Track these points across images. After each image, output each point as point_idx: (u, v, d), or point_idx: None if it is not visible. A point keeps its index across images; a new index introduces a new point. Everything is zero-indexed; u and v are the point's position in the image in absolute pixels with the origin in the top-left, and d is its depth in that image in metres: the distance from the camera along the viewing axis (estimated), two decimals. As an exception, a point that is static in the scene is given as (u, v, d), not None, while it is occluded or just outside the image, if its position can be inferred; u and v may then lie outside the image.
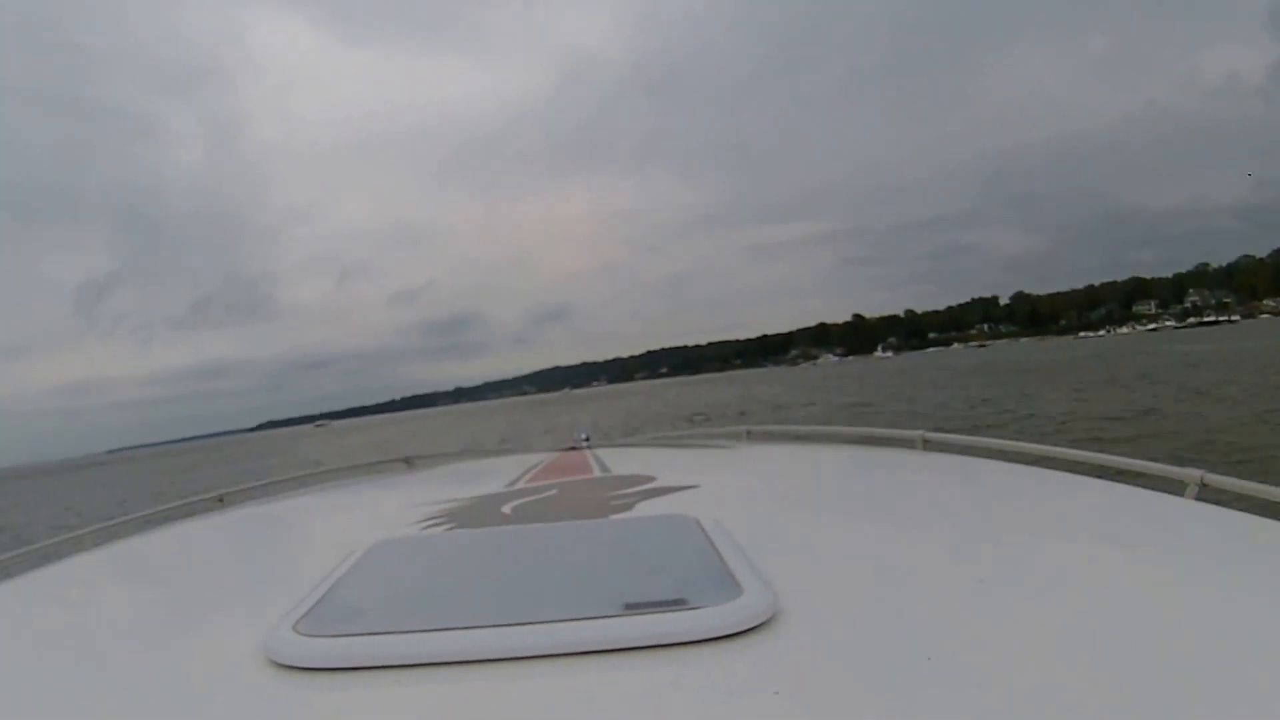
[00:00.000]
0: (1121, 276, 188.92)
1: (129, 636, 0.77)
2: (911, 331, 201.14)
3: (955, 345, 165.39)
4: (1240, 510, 0.91)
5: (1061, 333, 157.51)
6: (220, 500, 1.80)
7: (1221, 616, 0.61)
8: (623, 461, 1.81)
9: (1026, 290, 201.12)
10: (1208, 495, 1.05)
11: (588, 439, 2.43)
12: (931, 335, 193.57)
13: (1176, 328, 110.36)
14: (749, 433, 2.18)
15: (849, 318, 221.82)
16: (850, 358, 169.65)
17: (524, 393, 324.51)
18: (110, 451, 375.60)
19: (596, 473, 1.66)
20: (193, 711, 0.57)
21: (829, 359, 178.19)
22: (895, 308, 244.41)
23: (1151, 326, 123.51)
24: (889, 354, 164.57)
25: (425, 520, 1.15)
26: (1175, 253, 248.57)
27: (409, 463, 2.41)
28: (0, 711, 0.61)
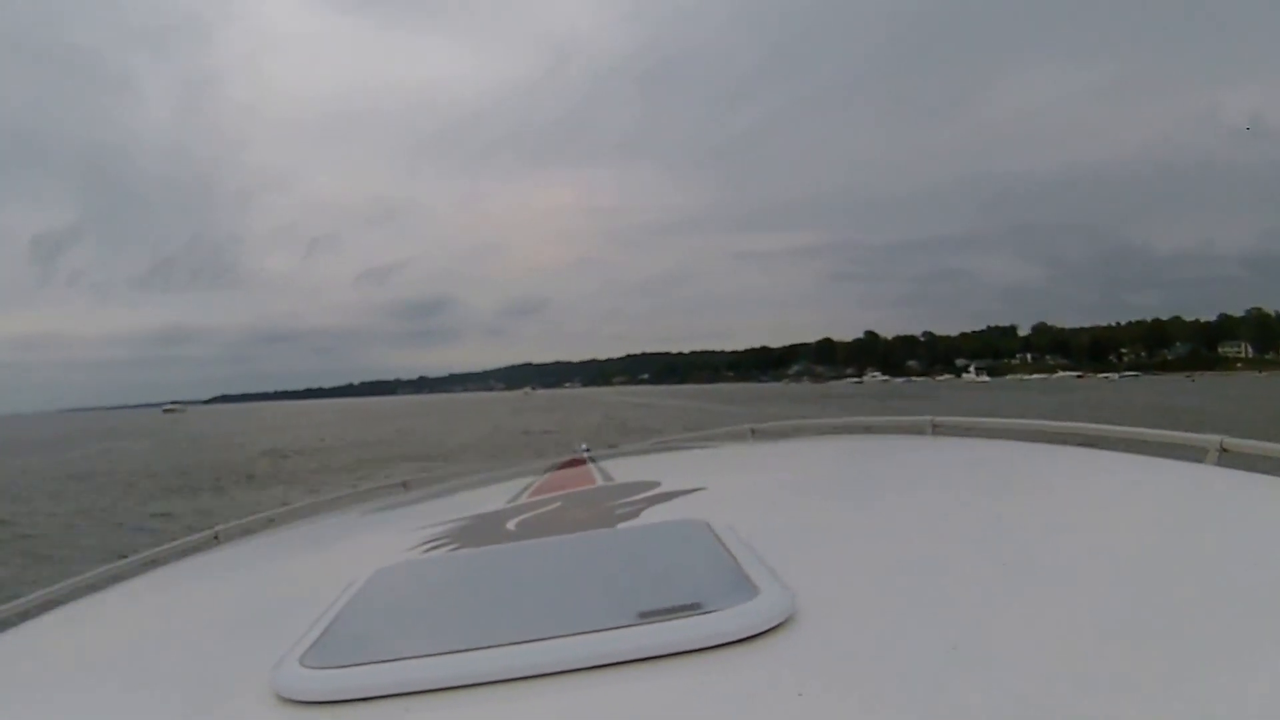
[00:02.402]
0: (1121, 318, 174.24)
1: (133, 681, 0.74)
2: (935, 356, 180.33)
3: (1061, 374, 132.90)
4: (1263, 473, 0.88)
5: (1131, 369, 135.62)
6: (216, 538, 1.78)
7: (1252, 579, 0.60)
8: (626, 469, 1.74)
9: (1047, 321, 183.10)
10: (1228, 460, 1.03)
11: (588, 450, 2.36)
12: (959, 362, 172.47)
13: None
14: (753, 431, 2.13)
15: (849, 335, 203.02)
16: (917, 380, 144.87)
17: (490, 388, 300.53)
18: (63, 411, 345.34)
19: (600, 482, 1.60)
20: None
21: (874, 378, 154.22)
22: (889, 328, 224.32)
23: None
24: (984, 378, 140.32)
25: (426, 543, 1.13)
26: (1179, 297, 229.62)
27: (406, 485, 2.39)
28: None
